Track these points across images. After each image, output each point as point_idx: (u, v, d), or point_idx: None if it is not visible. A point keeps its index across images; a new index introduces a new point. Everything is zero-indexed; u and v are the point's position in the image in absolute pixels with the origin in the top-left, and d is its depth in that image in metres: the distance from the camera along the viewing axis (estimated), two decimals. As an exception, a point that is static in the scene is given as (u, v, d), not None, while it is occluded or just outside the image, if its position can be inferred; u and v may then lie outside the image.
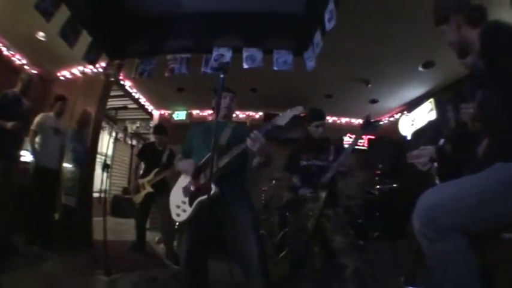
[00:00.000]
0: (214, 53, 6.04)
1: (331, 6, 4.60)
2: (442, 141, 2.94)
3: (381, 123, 10.54)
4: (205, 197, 3.09)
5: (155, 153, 6.84)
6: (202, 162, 3.46)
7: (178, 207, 3.49)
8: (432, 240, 1.96)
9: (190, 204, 3.36)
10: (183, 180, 3.63)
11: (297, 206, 5.18)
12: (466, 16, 2.26)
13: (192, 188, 3.45)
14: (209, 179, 2.94)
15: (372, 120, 4.50)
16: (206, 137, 3.48)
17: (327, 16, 4.68)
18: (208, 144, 3.24)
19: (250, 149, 3.13)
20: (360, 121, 10.68)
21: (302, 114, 3.32)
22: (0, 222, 5.26)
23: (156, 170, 6.62)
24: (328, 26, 4.64)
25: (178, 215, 3.47)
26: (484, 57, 2.05)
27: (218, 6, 5.94)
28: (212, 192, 3.06)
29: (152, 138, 7.41)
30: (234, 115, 4.24)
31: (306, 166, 5.16)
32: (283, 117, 3.15)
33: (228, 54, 5.99)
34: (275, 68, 5.99)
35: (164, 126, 7.40)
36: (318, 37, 5.30)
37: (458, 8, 2.30)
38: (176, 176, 3.85)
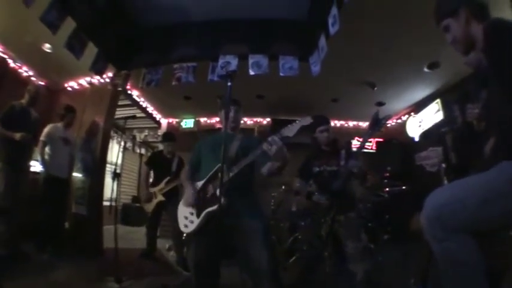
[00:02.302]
0: (221, 61, 6.05)
1: (334, 11, 4.60)
2: (444, 129, 2.95)
3: (389, 122, 10.55)
4: (213, 208, 3.24)
5: (164, 161, 6.90)
6: (208, 176, 3.53)
7: (186, 218, 3.55)
8: (439, 240, 1.98)
9: (198, 215, 3.42)
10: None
11: (310, 212, 5.18)
12: (474, 10, 2.26)
13: (199, 200, 3.51)
14: (220, 190, 2.98)
15: (381, 118, 4.43)
16: (215, 149, 3.55)
17: (330, 21, 4.68)
18: (216, 156, 3.30)
19: (267, 152, 3.12)
20: (368, 124, 10.72)
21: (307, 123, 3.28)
22: (11, 230, 5.30)
23: (168, 178, 6.66)
24: (332, 30, 4.64)
25: (186, 226, 3.54)
26: (487, 55, 2.06)
27: (223, 15, 5.98)
28: (222, 203, 3.05)
29: (161, 146, 7.43)
30: (241, 121, 4.27)
31: (319, 172, 5.16)
32: (292, 128, 3.13)
33: (234, 62, 6.01)
34: (281, 74, 5.99)
35: (172, 133, 7.46)
36: (322, 42, 5.31)
37: (466, 1, 2.31)
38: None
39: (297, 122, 3.14)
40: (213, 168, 3.46)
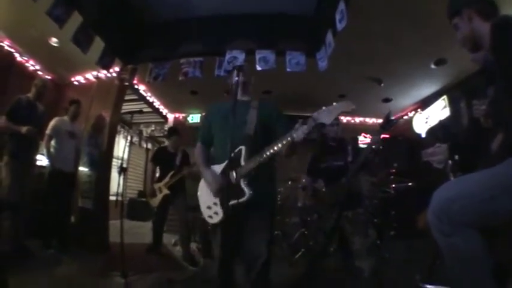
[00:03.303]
0: (228, 56, 6.05)
1: (341, 6, 4.60)
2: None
3: (400, 120, 10.57)
4: (240, 200, 2.95)
5: (168, 156, 6.89)
6: (228, 161, 3.00)
7: (209, 208, 3.23)
8: (446, 235, 1.97)
9: (223, 207, 3.06)
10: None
11: (316, 208, 5.19)
12: (477, 9, 2.26)
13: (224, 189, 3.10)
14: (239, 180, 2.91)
15: (392, 118, 4.40)
16: (229, 122, 2.90)
17: (337, 17, 4.68)
18: (231, 132, 2.81)
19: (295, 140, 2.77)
20: (375, 120, 10.67)
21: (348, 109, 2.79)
22: (16, 224, 5.31)
23: (172, 172, 6.65)
24: (339, 26, 4.64)
25: (210, 217, 3.21)
26: (493, 52, 2.06)
27: (230, 9, 5.98)
28: (246, 197, 2.92)
29: (166, 142, 7.41)
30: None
31: (326, 167, 5.15)
32: (329, 113, 2.76)
33: (241, 57, 6.00)
34: (288, 70, 5.99)
35: (175, 128, 7.49)
36: (329, 37, 5.31)
37: (470, 2, 2.31)
38: (193, 176, 3.64)
39: (335, 105, 2.78)
40: (229, 147, 2.85)
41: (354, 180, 4.75)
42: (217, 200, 3.15)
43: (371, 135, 4.67)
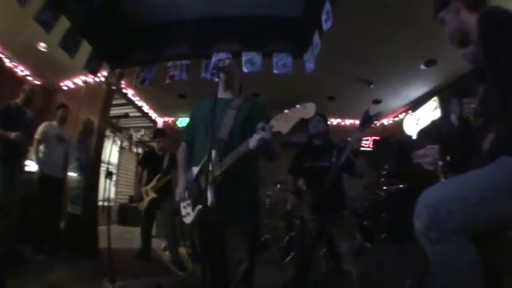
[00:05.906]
0: (214, 59, 6.01)
1: (327, 7, 4.59)
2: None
3: (386, 119, 10.58)
4: (202, 207, 2.83)
5: (156, 159, 6.83)
6: (201, 165, 2.93)
7: (184, 208, 3.09)
8: (434, 242, 1.86)
9: (193, 209, 2.96)
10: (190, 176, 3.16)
11: (301, 210, 5.12)
12: (465, 1, 2.19)
13: (194, 190, 3.00)
14: (206, 187, 2.63)
15: (371, 114, 4.32)
16: (208, 124, 2.86)
17: (323, 17, 4.68)
18: (209, 133, 2.77)
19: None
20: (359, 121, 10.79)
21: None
22: (6, 230, 5.27)
23: (158, 176, 6.60)
24: (325, 26, 4.63)
25: (185, 216, 3.09)
26: (480, 43, 2.00)
27: (216, 12, 5.96)
28: (209, 203, 2.67)
29: (154, 144, 7.35)
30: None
31: (310, 167, 5.08)
32: (286, 121, 2.64)
33: (225, 58, 5.98)
34: (275, 71, 5.98)
35: (162, 129, 7.45)
36: (316, 38, 5.29)
37: None
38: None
39: (293, 110, 2.66)
40: (206, 148, 2.68)
41: (336, 181, 4.68)
42: (190, 202, 3.04)
43: (352, 134, 4.53)
